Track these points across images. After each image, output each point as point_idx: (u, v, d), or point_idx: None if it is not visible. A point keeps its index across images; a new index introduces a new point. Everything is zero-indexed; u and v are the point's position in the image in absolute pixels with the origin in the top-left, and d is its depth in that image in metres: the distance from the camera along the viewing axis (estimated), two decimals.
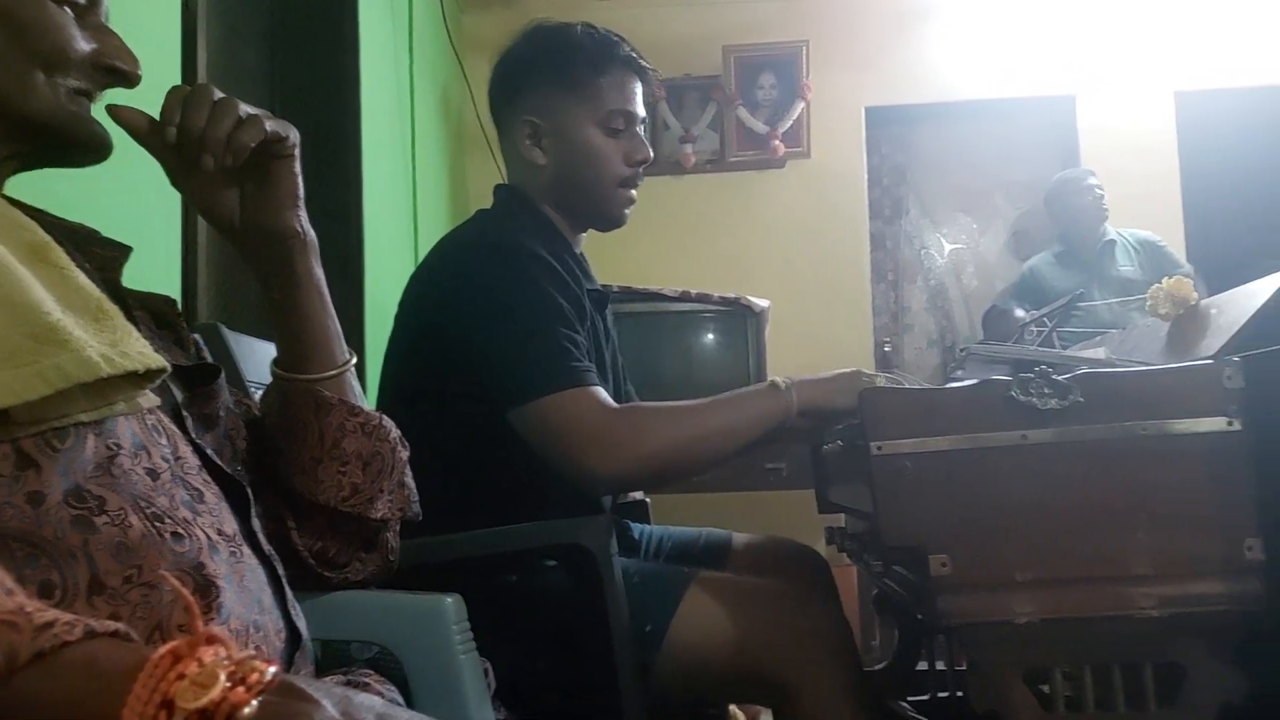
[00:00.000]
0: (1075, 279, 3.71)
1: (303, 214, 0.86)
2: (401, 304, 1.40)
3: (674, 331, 3.65)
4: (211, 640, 0.46)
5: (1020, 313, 3.53)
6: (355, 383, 0.93)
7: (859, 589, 3.19)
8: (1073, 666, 1.14)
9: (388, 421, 0.92)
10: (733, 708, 1.83)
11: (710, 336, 3.68)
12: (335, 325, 0.91)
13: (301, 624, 0.74)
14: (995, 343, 2.13)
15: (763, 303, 3.63)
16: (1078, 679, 1.15)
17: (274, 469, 0.90)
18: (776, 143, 4.23)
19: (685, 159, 4.26)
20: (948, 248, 4.61)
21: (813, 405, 1.28)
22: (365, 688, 0.73)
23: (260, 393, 0.96)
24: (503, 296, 1.27)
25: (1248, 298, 1.34)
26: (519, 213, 1.43)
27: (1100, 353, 1.41)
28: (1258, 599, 1.11)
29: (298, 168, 0.85)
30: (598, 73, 1.41)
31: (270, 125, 0.80)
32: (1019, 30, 4.26)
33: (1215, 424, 1.13)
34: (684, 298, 3.56)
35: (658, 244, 4.22)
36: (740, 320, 3.61)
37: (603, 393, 1.26)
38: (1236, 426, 1.12)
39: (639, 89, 1.44)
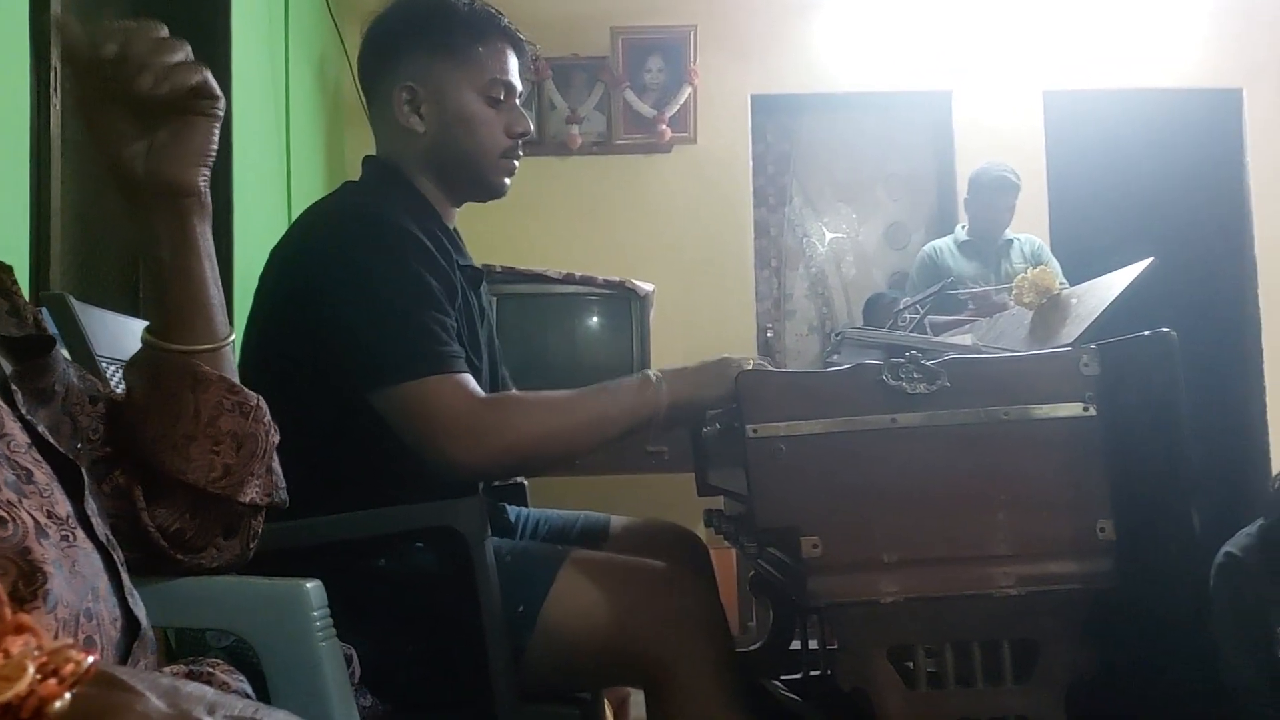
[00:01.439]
0: (975, 268, 3.84)
1: (207, 177, 0.84)
2: (262, 279, 1.33)
3: (558, 314, 3.63)
4: (21, 629, 0.42)
5: (901, 302, 3.63)
6: (233, 360, 0.89)
7: (738, 570, 3.23)
8: (935, 644, 1.17)
9: (263, 403, 0.89)
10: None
11: (594, 319, 3.67)
12: (221, 297, 0.87)
13: (140, 612, 0.70)
14: (867, 328, 2.18)
15: (647, 287, 3.63)
16: (939, 656, 1.18)
17: (134, 444, 0.85)
18: (663, 127, 4.24)
19: (571, 140, 4.22)
20: (829, 236, 4.70)
21: (683, 398, 1.27)
22: (208, 678, 0.69)
23: (119, 366, 0.91)
24: (368, 275, 1.23)
25: (1105, 288, 1.40)
26: (388, 185, 1.38)
27: (968, 339, 1.46)
28: (1109, 577, 1.15)
29: (216, 132, 0.83)
30: (477, 41, 1.37)
31: (210, 78, 0.80)
32: (900, 25, 4.37)
33: (1072, 409, 1.17)
34: (568, 280, 3.54)
35: (543, 225, 4.18)
36: (625, 304, 3.61)
37: (469, 379, 1.23)
38: (1092, 412, 1.17)
39: (517, 62, 1.41)
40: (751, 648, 1.87)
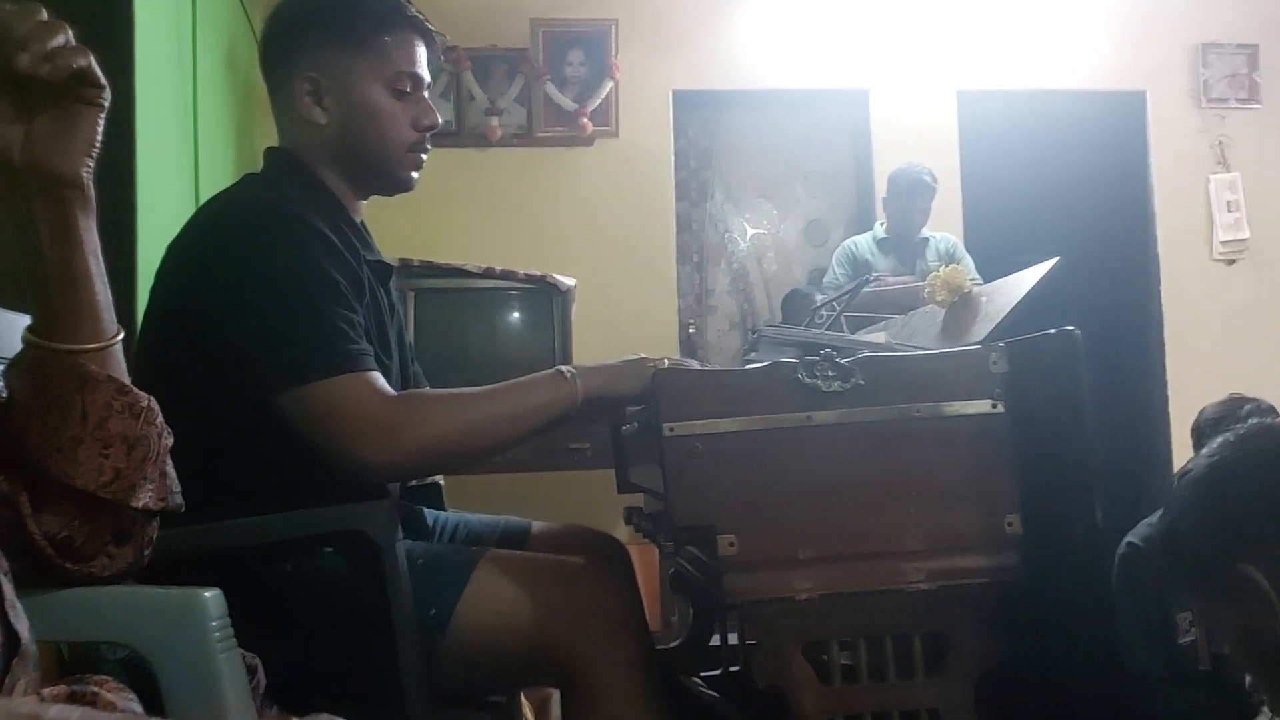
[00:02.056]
0: (892, 264, 3.90)
1: (90, 169, 0.80)
2: (158, 275, 1.28)
3: (478, 308, 3.59)
4: None
5: (819, 298, 3.67)
6: (123, 359, 0.85)
7: (660, 567, 3.24)
8: (849, 638, 1.18)
9: (155, 404, 0.86)
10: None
11: (515, 314, 3.64)
12: (107, 294, 0.84)
13: (22, 626, 0.66)
14: (785, 325, 2.20)
15: (569, 281, 3.61)
16: (854, 650, 1.20)
17: (18, 449, 0.81)
18: (585, 120, 4.22)
19: (491, 132, 4.18)
20: (750, 232, 4.74)
21: (598, 393, 1.26)
22: (92, 699, 0.66)
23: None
24: (272, 271, 1.19)
25: (1014, 287, 1.42)
26: (291, 178, 1.33)
27: (881, 337, 1.47)
28: (1016, 570, 1.18)
29: (101, 122, 0.80)
30: (383, 31, 1.34)
31: (95, 65, 0.76)
32: (818, 24, 4.42)
33: (981, 406, 1.20)
34: (488, 274, 3.50)
35: (462, 218, 4.13)
36: (546, 298, 3.58)
37: (378, 378, 1.20)
38: (1000, 409, 1.19)
39: (425, 53, 1.38)
40: (671, 645, 1.88)
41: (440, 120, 1.41)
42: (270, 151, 1.39)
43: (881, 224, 4.11)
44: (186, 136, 2.89)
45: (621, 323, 4.16)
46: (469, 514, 1.58)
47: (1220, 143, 4.59)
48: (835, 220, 4.73)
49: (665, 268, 4.38)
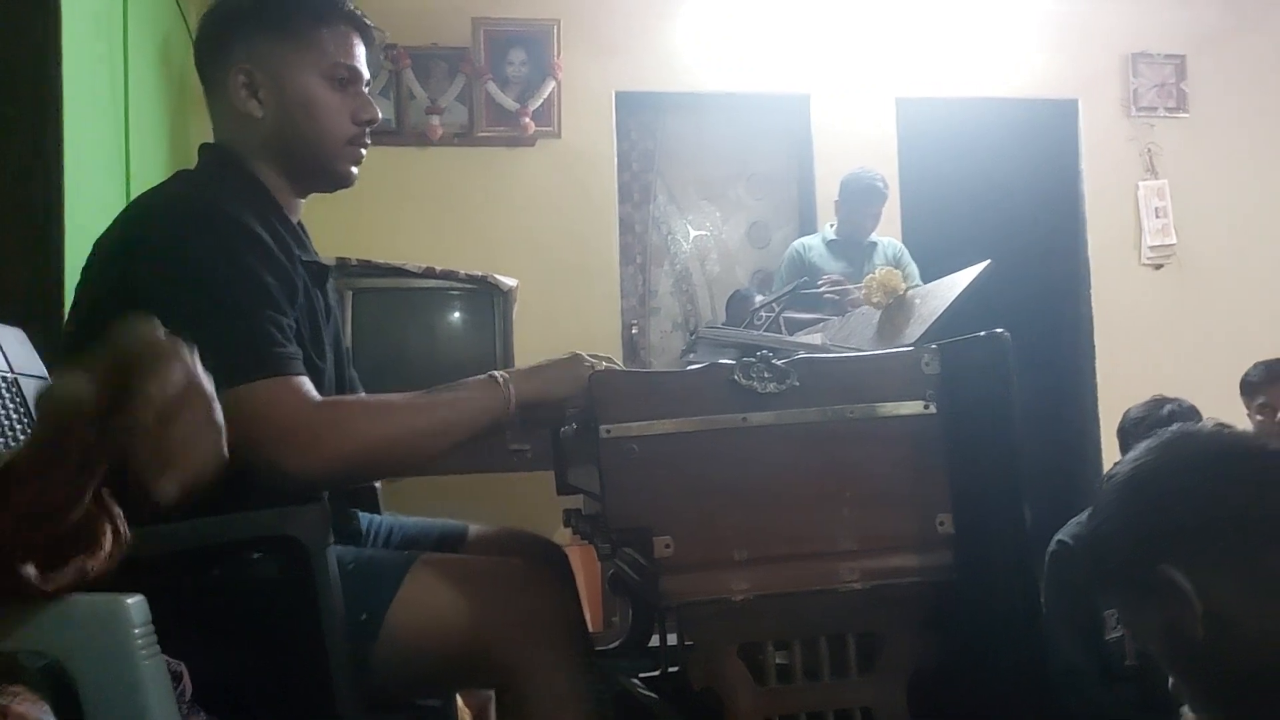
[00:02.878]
0: (841, 267, 3.95)
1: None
2: (86, 270, 1.24)
3: (418, 308, 3.55)
4: None
5: (760, 299, 3.70)
6: None
7: (601, 568, 3.23)
8: (784, 639, 1.19)
9: None
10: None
11: (456, 314, 3.61)
12: None
13: None
14: (723, 327, 2.21)
15: (510, 281, 3.59)
16: (789, 650, 1.20)
17: None
18: (527, 120, 4.20)
19: (432, 131, 4.14)
20: (693, 234, 4.76)
21: (532, 398, 1.25)
22: (2, 713, 0.64)
23: None
24: (197, 270, 1.16)
25: (947, 289, 1.45)
26: (225, 174, 1.30)
27: (818, 338, 1.49)
28: (948, 570, 1.20)
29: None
30: (320, 23, 1.32)
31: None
32: (760, 29, 4.45)
33: (914, 407, 1.21)
34: (429, 274, 3.47)
35: (402, 217, 4.09)
36: (487, 299, 3.56)
37: (305, 383, 1.17)
38: (932, 409, 1.21)
39: (363, 48, 1.36)
40: (611, 646, 1.87)
41: (380, 115, 1.39)
42: (205, 148, 1.36)
43: (832, 226, 4.15)
44: (117, 130, 2.82)
45: (564, 323, 4.15)
46: (404, 517, 1.56)
47: (1149, 150, 4.72)
48: (778, 222, 4.77)
49: (608, 269, 4.38)
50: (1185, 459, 0.94)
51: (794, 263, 4.05)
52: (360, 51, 1.35)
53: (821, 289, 3.44)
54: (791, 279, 3.84)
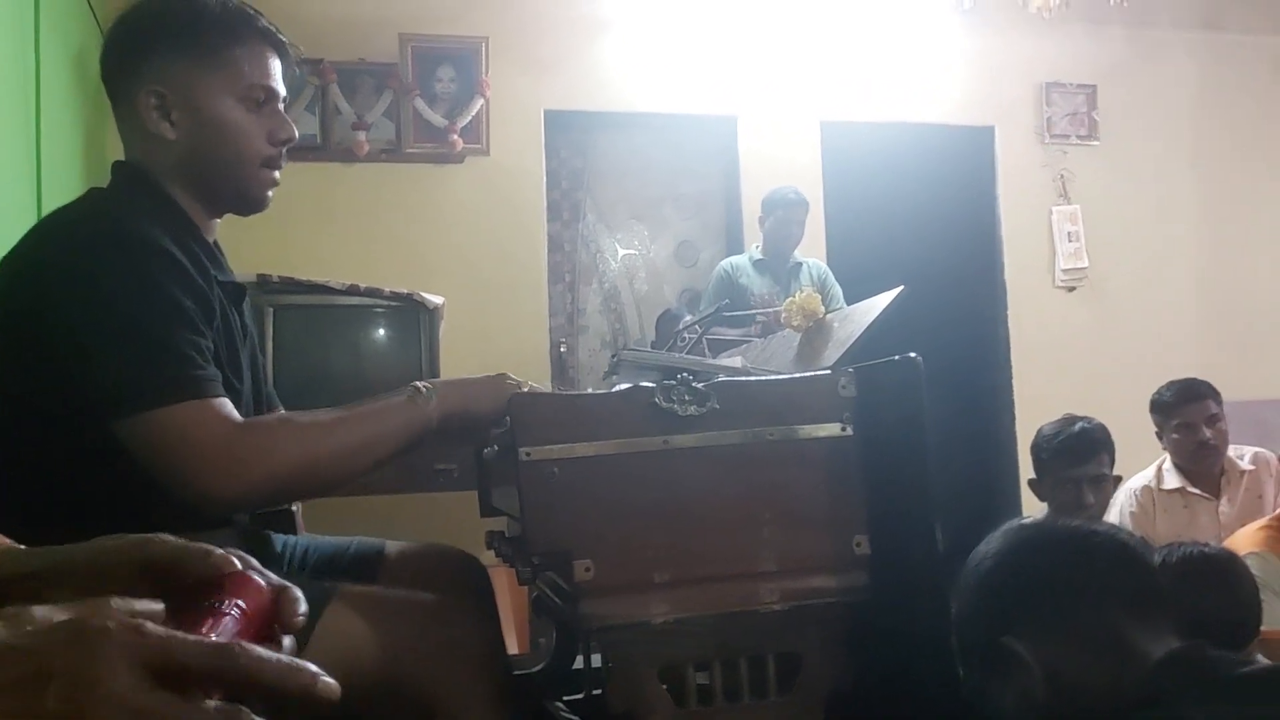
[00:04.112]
0: (768, 285, 3.99)
1: None
2: None
3: (342, 326, 3.50)
4: None
5: (688, 319, 3.73)
6: None
7: (528, 589, 3.20)
8: (704, 661, 1.20)
9: None
10: None
11: (381, 332, 3.56)
12: None
13: None
14: (644, 349, 2.23)
15: (437, 299, 3.56)
16: (710, 671, 1.21)
17: None
18: (455, 137, 4.18)
19: (359, 147, 4.10)
20: (621, 253, 4.77)
21: (455, 412, 1.24)
22: None
23: None
24: (111, 291, 1.12)
25: (865, 312, 1.48)
26: (139, 194, 1.27)
27: (738, 361, 1.51)
28: (864, 591, 1.22)
29: None
30: (234, 43, 1.29)
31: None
32: (688, 50, 4.50)
33: (832, 429, 1.23)
34: (353, 291, 3.42)
35: (327, 233, 4.03)
36: (413, 316, 3.52)
37: (226, 404, 1.15)
38: (849, 431, 1.23)
39: (279, 65, 1.34)
40: (535, 669, 1.86)
41: (296, 134, 1.37)
42: (118, 166, 1.33)
43: (757, 246, 4.21)
44: (28, 146, 2.74)
45: (491, 342, 4.12)
46: (320, 537, 1.53)
47: (1062, 176, 4.87)
48: (705, 242, 4.81)
49: (536, 287, 4.37)
50: (1020, 546, 1.07)
51: (722, 282, 4.09)
52: (276, 69, 1.33)
53: (754, 311, 3.48)
54: (719, 299, 3.88)
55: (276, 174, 1.35)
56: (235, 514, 1.21)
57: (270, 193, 1.35)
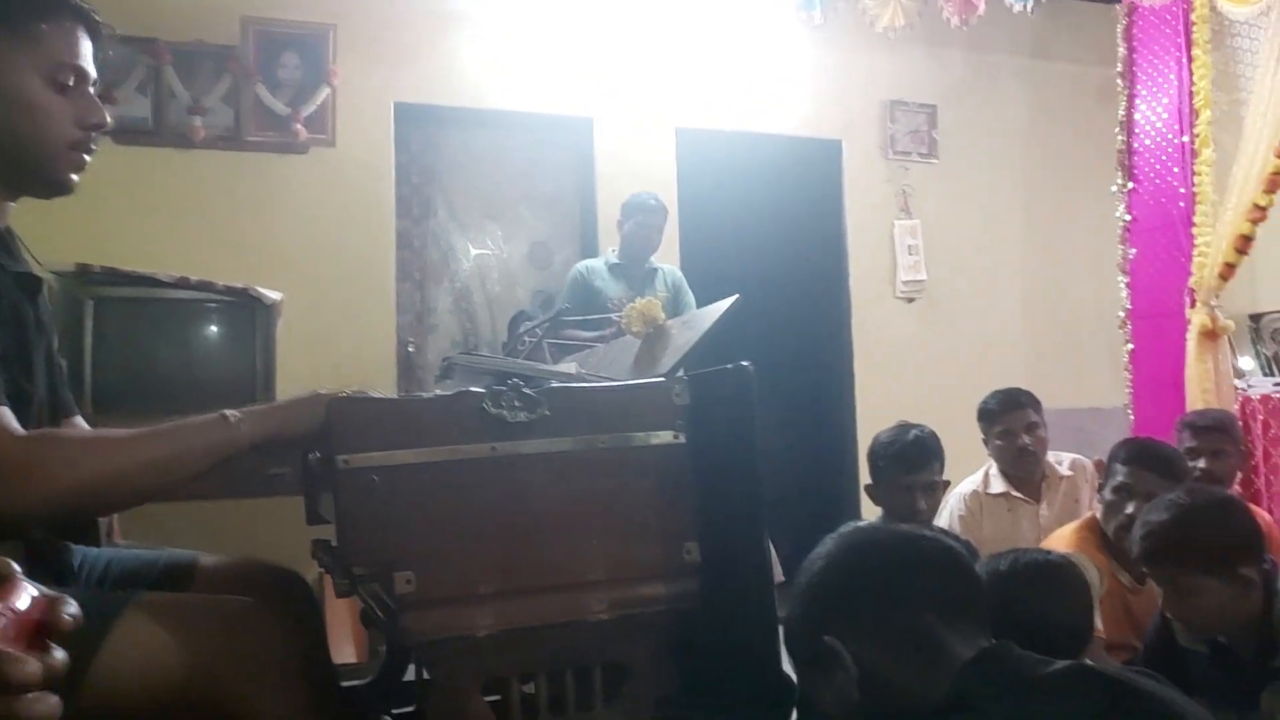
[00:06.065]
0: (623, 289, 3.97)
1: None
2: None
3: (170, 321, 3.32)
4: None
5: (529, 323, 3.68)
6: None
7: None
8: (530, 673, 1.17)
9: None
10: None
11: (212, 328, 3.40)
12: None
13: None
14: (475, 353, 2.18)
15: (274, 295, 3.42)
16: (535, 682, 1.18)
17: None
18: (299, 126, 4.02)
19: (194, 132, 3.89)
20: (474, 252, 4.69)
21: (268, 436, 1.18)
22: None
23: None
24: None
25: (702, 319, 1.48)
26: None
27: (572, 367, 1.48)
28: (693, 598, 1.21)
29: None
30: (40, 18, 1.19)
31: None
32: (544, 50, 4.46)
33: (665, 437, 1.22)
34: (182, 284, 3.25)
35: (157, 223, 3.81)
36: (247, 312, 3.37)
37: (6, 413, 1.06)
38: (682, 439, 1.22)
39: (90, 45, 1.24)
40: (365, 680, 1.79)
41: (108, 119, 1.28)
42: None
43: (614, 250, 4.20)
44: None
45: (334, 340, 3.99)
46: (125, 550, 1.43)
47: (904, 191, 5.06)
48: (559, 243, 4.78)
49: (383, 284, 4.24)
50: (849, 549, 1.10)
51: (576, 285, 4.06)
52: (87, 49, 1.24)
53: (607, 315, 3.46)
54: (573, 301, 3.85)
55: (85, 157, 1.25)
56: (16, 531, 1.11)
57: (76, 176, 1.26)
